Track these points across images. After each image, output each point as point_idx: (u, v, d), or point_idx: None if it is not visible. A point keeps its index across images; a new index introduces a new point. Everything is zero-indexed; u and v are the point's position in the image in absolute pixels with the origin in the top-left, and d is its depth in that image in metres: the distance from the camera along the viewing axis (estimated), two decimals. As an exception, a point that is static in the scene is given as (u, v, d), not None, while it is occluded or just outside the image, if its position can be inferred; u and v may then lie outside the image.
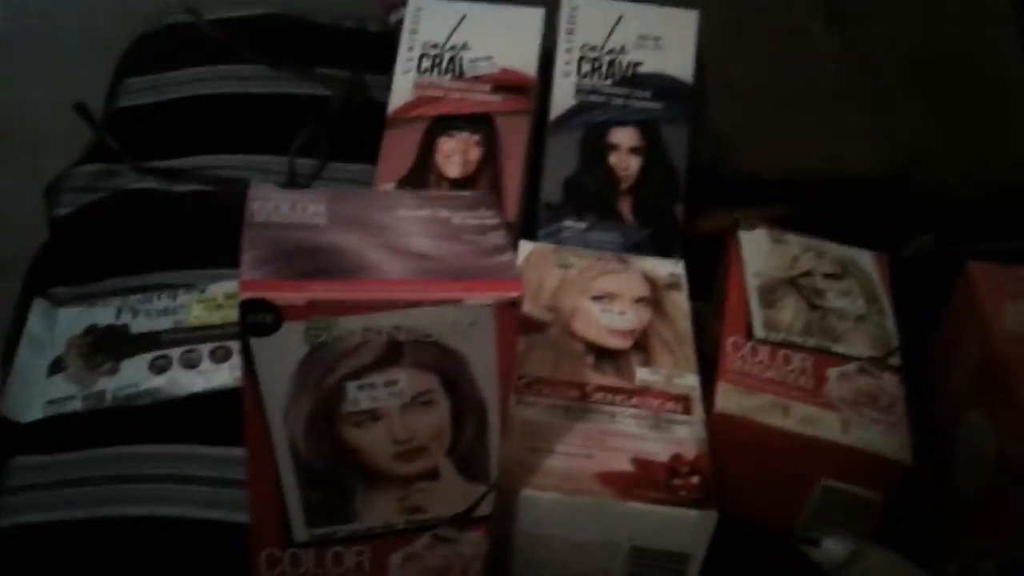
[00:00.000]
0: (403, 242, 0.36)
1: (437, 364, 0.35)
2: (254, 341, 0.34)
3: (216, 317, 0.55)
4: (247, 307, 0.33)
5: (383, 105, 0.62)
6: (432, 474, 0.38)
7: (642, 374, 0.48)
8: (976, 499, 0.46)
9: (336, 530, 0.38)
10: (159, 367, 0.53)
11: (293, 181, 0.68)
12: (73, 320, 0.56)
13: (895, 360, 0.52)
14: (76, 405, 0.51)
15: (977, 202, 0.70)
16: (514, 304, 0.35)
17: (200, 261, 0.61)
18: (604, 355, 0.49)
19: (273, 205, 0.37)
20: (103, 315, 0.56)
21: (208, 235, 0.62)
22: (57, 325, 0.56)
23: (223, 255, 0.59)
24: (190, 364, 0.53)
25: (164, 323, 0.55)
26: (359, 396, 0.35)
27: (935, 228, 0.70)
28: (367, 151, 0.62)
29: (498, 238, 0.37)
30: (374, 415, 0.36)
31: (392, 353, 0.35)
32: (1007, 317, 0.48)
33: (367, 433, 0.36)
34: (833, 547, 0.48)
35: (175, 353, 0.53)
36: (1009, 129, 0.70)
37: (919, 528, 0.50)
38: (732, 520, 0.43)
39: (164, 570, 0.45)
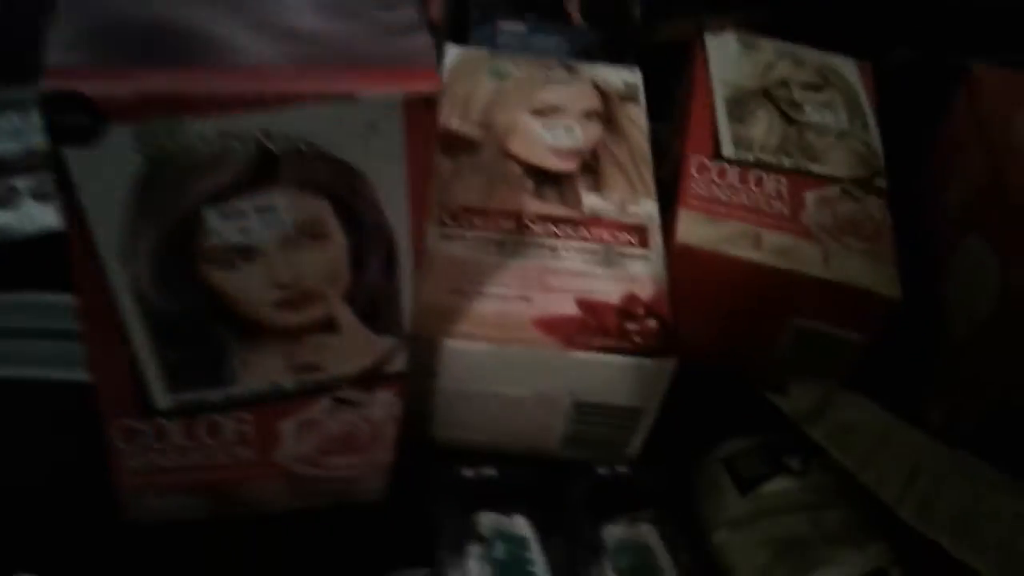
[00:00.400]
0: (277, 16, 0.27)
1: (326, 184, 0.27)
2: (69, 154, 0.25)
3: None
4: (53, 104, 0.24)
5: None
6: (328, 325, 0.30)
7: (591, 201, 0.41)
8: (971, 337, 0.41)
9: (207, 395, 0.31)
10: (6, 199, 0.44)
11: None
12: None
13: (880, 181, 0.44)
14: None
15: (969, 9, 0.62)
16: (429, 101, 0.26)
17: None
18: (546, 179, 0.41)
19: None
20: (-66, 137, 0.46)
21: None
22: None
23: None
24: (43, 195, 0.44)
25: (13, 148, 0.46)
26: (223, 227, 0.27)
27: (921, 36, 0.61)
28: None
29: (409, 14, 0.28)
30: (246, 252, 0.28)
31: (264, 169, 0.26)
32: (1017, 127, 0.41)
33: (238, 275, 0.28)
34: (801, 394, 0.43)
35: (25, 182, 0.44)
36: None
37: (900, 372, 0.44)
38: (690, 366, 0.37)
39: (20, 441, 0.38)
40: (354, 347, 0.31)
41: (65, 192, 0.25)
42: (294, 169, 0.26)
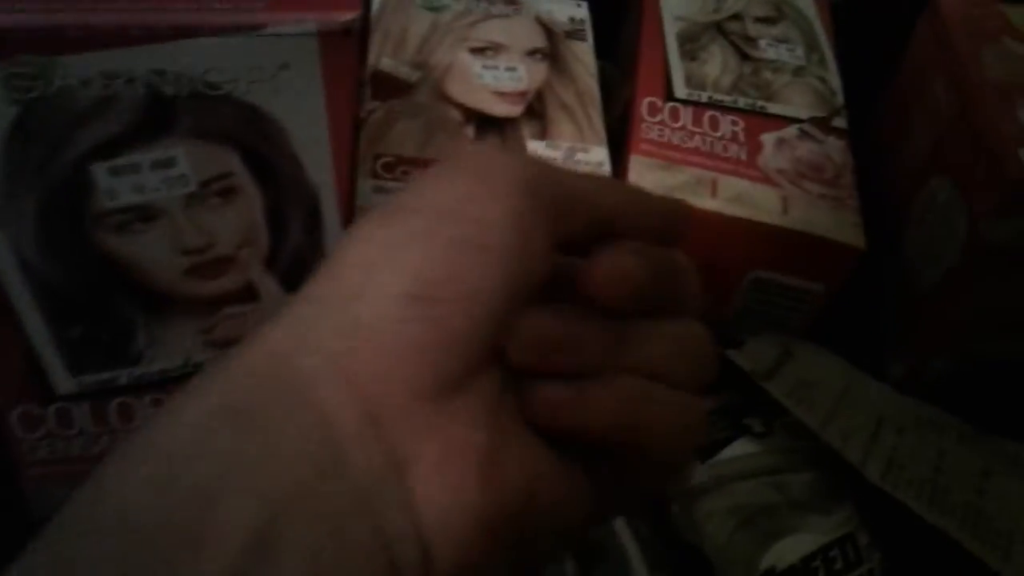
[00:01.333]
0: None
1: (235, 132, 0.23)
2: None
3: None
4: None
5: None
6: (246, 294, 0.27)
7: (537, 148, 0.37)
8: (936, 285, 0.39)
9: (115, 376, 0.27)
10: None
11: None
12: None
13: (840, 121, 0.42)
14: None
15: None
16: (348, 32, 0.23)
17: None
18: (488, 124, 0.38)
19: None
20: None
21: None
22: None
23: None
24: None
25: None
26: (115, 185, 0.23)
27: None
28: None
29: None
30: (145, 213, 0.24)
31: (159, 116, 0.22)
32: (984, 61, 0.39)
33: (137, 240, 0.24)
34: (759, 349, 0.41)
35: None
36: None
37: (861, 322, 0.43)
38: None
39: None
40: (278, 317, 0.28)
41: (-79, 147, 0.22)
42: (194, 115, 0.23)
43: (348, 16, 0.22)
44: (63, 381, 0.27)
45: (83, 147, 0.22)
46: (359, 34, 0.23)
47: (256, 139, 0.24)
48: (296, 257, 0.27)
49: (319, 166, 0.25)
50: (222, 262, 0.26)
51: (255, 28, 0.22)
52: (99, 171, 0.23)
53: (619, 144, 0.40)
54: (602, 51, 0.44)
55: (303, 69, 0.23)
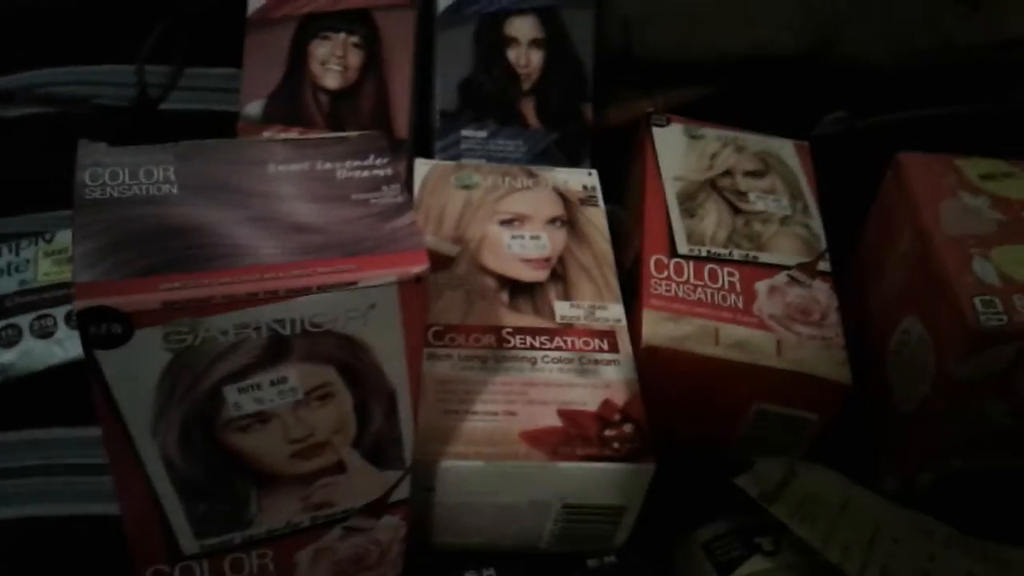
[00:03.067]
0: (277, 210, 0.30)
1: (333, 355, 0.30)
2: (101, 355, 0.27)
3: (69, 272, 0.48)
4: (87, 317, 0.27)
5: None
6: (337, 468, 0.33)
7: (562, 309, 0.44)
8: (914, 412, 0.45)
9: (231, 538, 0.33)
10: (8, 339, 0.46)
11: (144, 94, 0.59)
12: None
13: (824, 265, 0.48)
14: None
15: (898, 71, 0.67)
16: (420, 279, 0.29)
17: (42, 202, 0.52)
18: (519, 290, 0.45)
19: (108, 173, 0.30)
20: (-69, 280, 0.48)
21: (50, 168, 0.54)
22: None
23: (70, 192, 0.51)
24: (44, 332, 0.46)
25: (8, 285, 0.48)
26: (241, 400, 0.30)
27: (849, 103, 0.66)
28: (231, 52, 0.54)
29: (394, 194, 0.31)
30: (262, 418, 0.30)
31: (276, 349, 0.29)
32: (943, 216, 0.45)
33: (256, 437, 0.31)
34: (766, 469, 0.46)
35: (25, 321, 0.46)
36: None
37: (856, 443, 0.48)
38: (665, 455, 0.40)
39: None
40: (361, 484, 0.34)
41: (99, 386, 0.28)
42: (304, 347, 0.29)
43: (419, 269, 0.29)
44: (189, 544, 0.33)
45: (218, 376, 0.29)
46: (427, 279, 0.30)
47: (349, 357, 0.30)
48: (377, 438, 0.33)
49: (396, 372, 0.31)
50: (319, 446, 0.32)
51: (350, 284, 0.29)
52: (230, 391, 0.29)
53: (631, 287, 0.46)
54: (611, 194, 0.51)
55: (386, 307, 0.29)
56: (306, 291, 0.28)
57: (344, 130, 0.51)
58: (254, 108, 0.51)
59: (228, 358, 0.29)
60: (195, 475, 0.31)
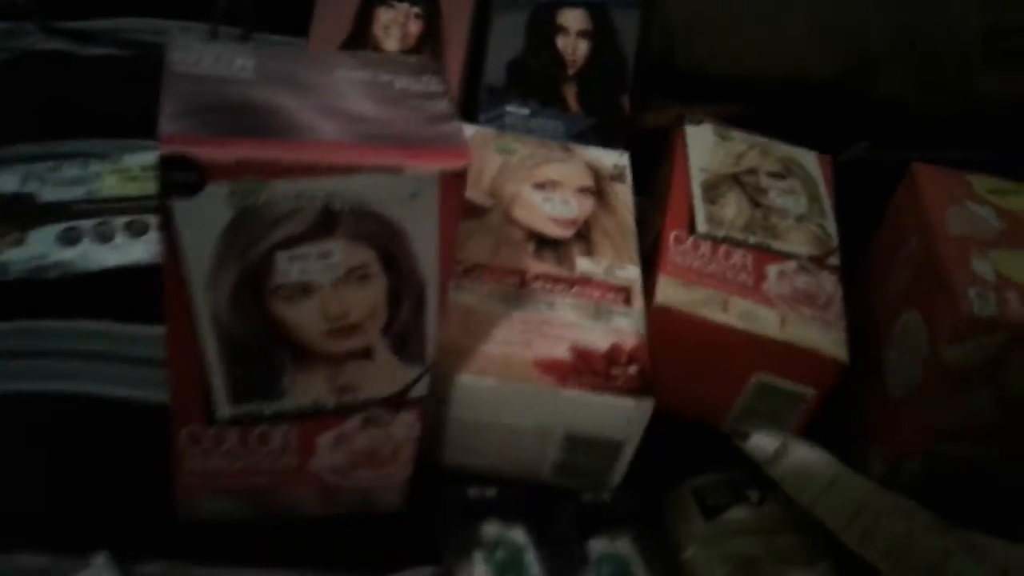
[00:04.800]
0: (340, 104, 0.33)
1: (375, 237, 0.33)
2: (175, 203, 0.31)
3: (131, 189, 0.52)
4: (167, 164, 0.30)
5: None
6: (365, 353, 0.36)
7: (583, 264, 0.47)
8: (906, 397, 0.47)
9: (262, 407, 0.36)
10: (69, 239, 0.49)
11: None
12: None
13: (833, 260, 0.51)
14: (-23, 276, 0.48)
15: (922, 112, 0.70)
16: (460, 175, 0.33)
17: (114, 130, 0.57)
18: (545, 243, 0.48)
19: (196, 57, 0.34)
20: (7, 182, 0.52)
21: (123, 103, 0.58)
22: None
23: (139, 125, 0.55)
24: (103, 237, 0.49)
25: (75, 193, 0.52)
26: (290, 268, 0.33)
27: (876, 135, 0.69)
28: (295, 22, 0.58)
29: (444, 106, 0.35)
30: (305, 289, 0.34)
31: (327, 222, 0.32)
32: (949, 220, 0.48)
33: (297, 308, 0.34)
34: (761, 441, 0.49)
35: (87, 225, 0.50)
36: (959, 38, 0.69)
37: (847, 424, 0.51)
38: (665, 411, 0.43)
39: (77, 448, 0.43)
40: (386, 373, 0.37)
41: (167, 234, 0.32)
42: (350, 224, 0.33)
43: (461, 163, 0.32)
44: (224, 408, 0.36)
45: (274, 240, 0.32)
46: (467, 175, 0.33)
47: (389, 242, 0.33)
48: (403, 330, 0.36)
49: (429, 265, 0.34)
50: (352, 328, 0.35)
51: (397, 169, 0.32)
52: (280, 257, 0.33)
53: (649, 265, 0.49)
54: (640, 188, 0.54)
55: (428, 197, 0.33)
56: (360, 170, 0.31)
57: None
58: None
59: (283, 225, 0.32)
60: (238, 337, 0.34)
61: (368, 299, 0.35)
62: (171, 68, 0.33)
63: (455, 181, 0.33)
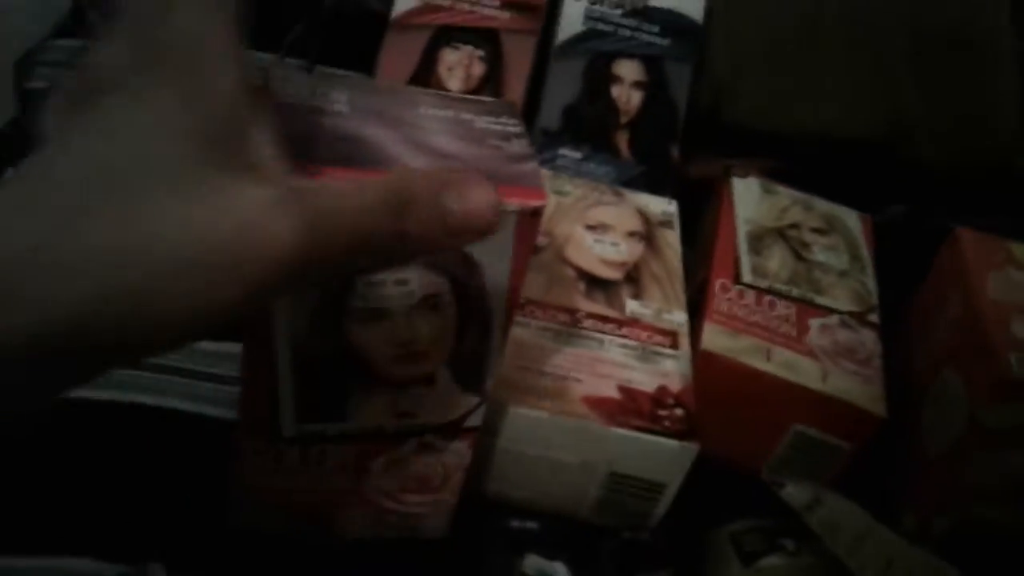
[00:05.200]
0: (426, 139, 0.35)
1: (450, 267, 0.35)
2: None
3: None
4: None
5: (377, 14, 0.60)
6: (428, 380, 0.37)
7: (632, 306, 0.48)
8: (941, 456, 0.48)
9: (326, 428, 0.38)
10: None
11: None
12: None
13: (874, 317, 0.52)
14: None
15: (956, 179, 0.71)
16: (536, 213, 0.34)
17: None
18: (595, 283, 0.49)
19: (293, 86, 0.36)
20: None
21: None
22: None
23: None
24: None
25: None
26: (368, 293, 0.34)
27: (911, 199, 0.71)
28: (357, 59, 0.61)
29: (522, 146, 0.36)
30: (380, 314, 0.35)
31: None
32: (990, 284, 0.49)
33: (370, 332, 0.35)
34: (795, 492, 0.49)
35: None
36: (996, 109, 0.70)
37: (879, 480, 0.51)
38: (704, 454, 0.44)
39: (139, 458, 0.44)
40: (445, 401, 0.38)
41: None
42: (428, 254, 0.34)
43: (539, 203, 0.34)
44: (289, 426, 0.37)
45: (357, 268, 0.34)
46: (541, 215, 0.34)
47: (462, 273, 0.35)
48: (468, 358, 0.37)
49: (497, 298, 0.36)
50: (419, 355, 0.36)
51: None
52: (360, 282, 0.34)
53: (693, 312, 0.51)
54: (683, 238, 0.56)
55: (504, 233, 0.34)
56: None
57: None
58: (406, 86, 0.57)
59: None
60: (312, 358, 0.35)
61: (437, 327, 0.36)
62: (272, 97, 0.35)
63: (532, 220, 0.34)
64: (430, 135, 0.35)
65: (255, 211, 0.25)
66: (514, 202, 0.34)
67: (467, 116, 0.37)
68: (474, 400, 0.39)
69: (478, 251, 0.34)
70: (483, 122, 0.37)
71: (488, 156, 0.35)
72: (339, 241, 0.26)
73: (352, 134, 0.34)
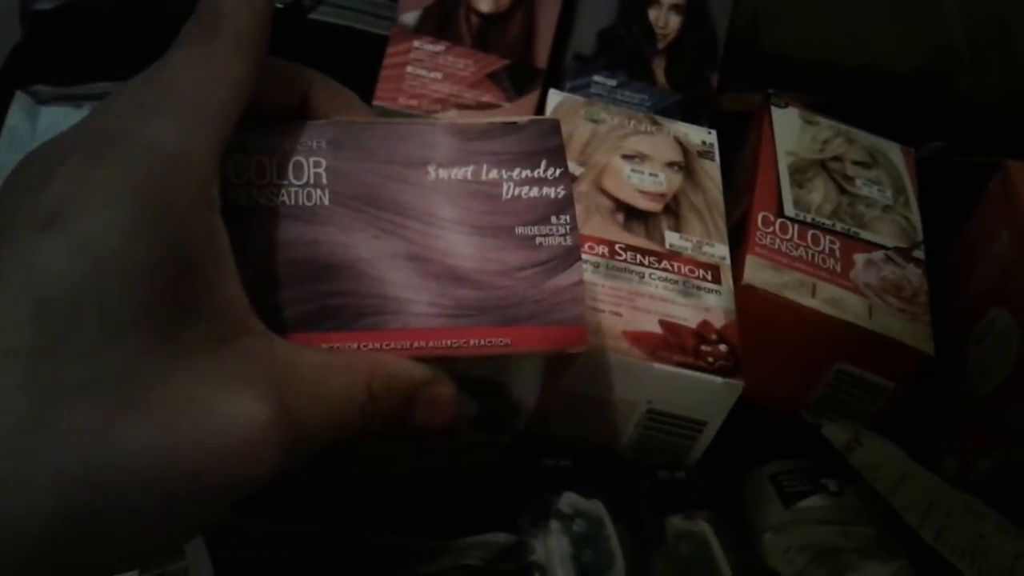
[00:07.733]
0: (435, 246, 0.29)
1: (474, 387, 0.31)
2: None
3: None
4: None
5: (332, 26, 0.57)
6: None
7: (672, 239, 0.46)
8: (988, 396, 0.46)
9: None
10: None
11: (298, 2, 0.63)
12: (57, 120, 0.52)
13: (919, 253, 0.51)
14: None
15: (1003, 114, 0.69)
16: (572, 356, 0.29)
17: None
18: (634, 215, 0.47)
19: (255, 166, 0.28)
20: (92, 118, 0.51)
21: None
22: (39, 123, 0.52)
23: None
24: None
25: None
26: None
27: (954, 134, 0.68)
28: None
29: (563, 230, 0.30)
30: None
31: None
32: (1045, 219, 0.47)
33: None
34: (833, 432, 0.48)
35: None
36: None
37: (921, 421, 0.50)
38: (742, 392, 0.42)
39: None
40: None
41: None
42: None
43: (576, 350, 0.29)
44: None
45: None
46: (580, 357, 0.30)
47: (486, 391, 0.32)
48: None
49: (527, 401, 0.34)
50: None
51: (505, 356, 0.29)
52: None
53: (735, 244, 0.49)
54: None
55: (533, 367, 0.31)
56: (457, 359, 0.29)
57: (488, 51, 0.54)
58: (409, 17, 0.54)
59: None
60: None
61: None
62: (226, 196, 0.26)
63: (567, 360, 0.30)
64: (442, 234, 0.29)
65: (235, 433, 0.23)
66: (546, 347, 0.29)
67: (491, 174, 0.31)
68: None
69: (506, 379, 0.31)
70: (513, 183, 0.31)
71: (516, 270, 0.30)
72: (313, 446, 0.26)
73: (337, 259, 0.28)
